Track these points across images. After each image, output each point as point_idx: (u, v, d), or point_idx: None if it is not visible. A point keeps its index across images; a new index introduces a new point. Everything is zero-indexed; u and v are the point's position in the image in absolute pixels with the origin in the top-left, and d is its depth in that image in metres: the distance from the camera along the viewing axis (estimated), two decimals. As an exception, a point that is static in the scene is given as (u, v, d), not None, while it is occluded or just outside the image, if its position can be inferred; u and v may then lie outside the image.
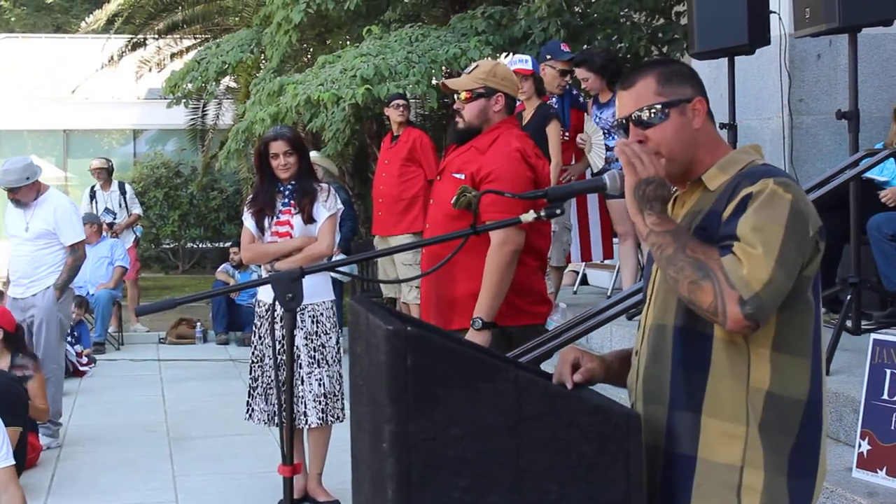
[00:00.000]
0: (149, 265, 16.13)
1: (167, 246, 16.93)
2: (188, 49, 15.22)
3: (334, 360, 5.23)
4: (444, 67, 8.33)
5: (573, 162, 7.02)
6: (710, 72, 6.50)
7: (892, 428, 3.62)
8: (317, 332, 5.19)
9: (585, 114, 6.99)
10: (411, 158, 8.04)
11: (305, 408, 5.13)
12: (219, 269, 11.29)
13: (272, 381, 5.14)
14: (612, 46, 8.31)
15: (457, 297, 3.90)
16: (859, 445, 3.70)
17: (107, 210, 11.20)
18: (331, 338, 5.23)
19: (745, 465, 2.03)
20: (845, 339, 4.66)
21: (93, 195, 11.36)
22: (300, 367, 5.14)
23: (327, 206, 5.22)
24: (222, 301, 10.37)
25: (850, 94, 5.05)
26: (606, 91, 6.70)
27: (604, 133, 6.59)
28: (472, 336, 3.74)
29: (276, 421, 5.18)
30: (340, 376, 5.22)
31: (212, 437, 6.69)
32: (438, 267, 2.97)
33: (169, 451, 6.37)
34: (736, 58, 5.86)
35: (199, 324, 10.70)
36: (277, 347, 4.96)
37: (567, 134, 6.89)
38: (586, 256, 7.60)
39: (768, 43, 5.71)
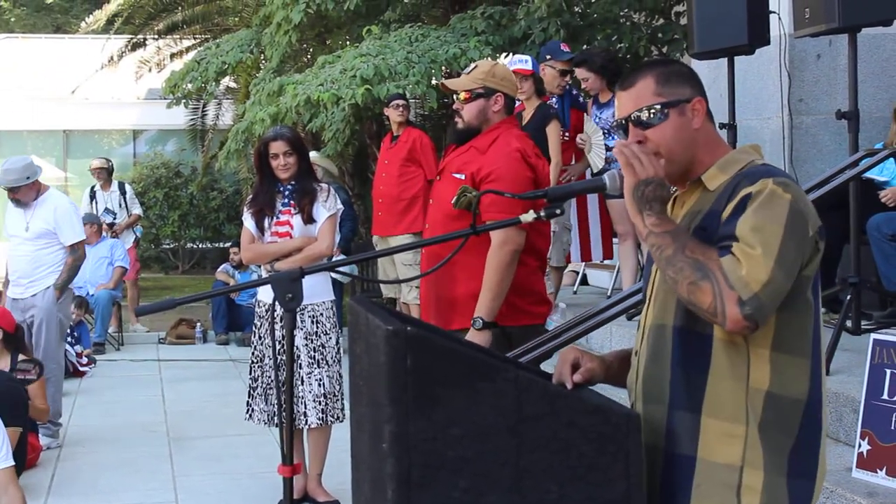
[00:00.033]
0: (149, 265, 16.13)
1: (167, 246, 16.92)
2: (188, 49, 15.22)
3: (334, 361, 5.23)
4: (443, 67, 8.33)
5: (573, 162, 7.02)
6: (710, 72, 6.51)
7: (892, 428, 3.62)
8: (317, 332, 5.19)
9: (585, 114, 6.99)
10: (411, 158, 8.04)
11: (305, 408, 5.14)
12: (219, 270, 11.29)
13: (272, 381, 5.14)
14: (611, 46, 8.31)
15: (457, 298, 3.90)
16: (859, 445, 3.70)
17: (107, 210, 11.19)
18: (331, 338, 5.24)
19: (745, 465, 2.03)
20: (845, 339, 4.66)
21: (93, 195, 11.36)
22: (300, 368, 5.14)
23: (327, 207, 5.22)
24: (222, 301, 10.37)
25: (850, 94, 5.06)
26: (606, 91, 6.70)
27: (604, 133, 6.59)
28: (473, 336, 3.75)
29: (275, 421, 5.18)
30: (340, 376, 5.22)
31: (212, 438, 6.69)
32: (438, 267, 2.97)
33: (169, 452, 6.37)
34: (736, 58, 5.86)
35: (198, 324, 10.70)
36: (277, 347, 4.96)
37: (567, 134, 6.89)
38: (586, 256, 7.60)
39: (768, 43, 5.71)
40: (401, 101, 8.10)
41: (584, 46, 8.05)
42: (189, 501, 5.46)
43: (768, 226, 1.96)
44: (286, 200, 5.22)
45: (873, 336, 3.85)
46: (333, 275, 6.36)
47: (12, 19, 25.54)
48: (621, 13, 8.62)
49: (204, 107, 15.94)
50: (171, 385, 8.52)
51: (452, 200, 3.80)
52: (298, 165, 5.20)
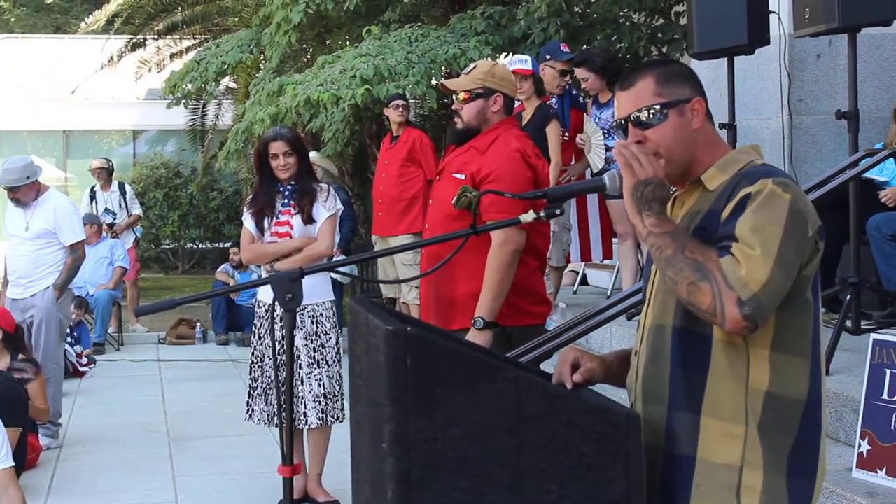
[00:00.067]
0: (148, 265, 16.13)
1: (167, 246, 16.92)
2: (188, 49, 15.22)
3: (334, 361, 5.23)
4: (443, 68, 8.33)
5: (573, 162, 7.02)
6: (710, 72, 6.51)
7: (892, 428, 3.63)
8: (316, 332, 5.19)
9: (585, 114, 6.99)
10: (411, 159, 8.04)
11: (305, 408, 5.14)
12: (218, 270, 11.29)
13: (272, 381, 5.14)
14: (611, 46, 8.31)
15: (457, 297, 3.91)
16: (859, 445, 3.70)
17: (107, 210, 11.20)
18: (330, 338, 5.24)
19: (745, 465, 2.03)
20: (845, 339, 4.66)
21: (93, 195, 11.36)
22: (300, 368, 5.14)
23: (327, 207, 5.22)
24: (222, 301, 10.37)
25: (850, 94, 5.06)
26: (606, 91, 6.70)
27: (603, 133, 6.59)
28: (474, 336, 3.75)
29: (275, 421, 5.18)
30: (340, 377, 5.22)
31: (212, 438, 6.69)
32: (438, 267, 2.98)
33: (169, 452, 6.37)
34: (735, 58, 5.86)
35: (198, 324, 10.70)
36: (277, 348, 4.96)
37: (567, 134, 6.89)
38: (586, 256, 7.60)
39: (768, 43, 5.71)
40: (400, 102, 8.10)
41: (584, 46, 8.06)
42: (189, 502, 5.46)
43: (768, 226, 1.96)
44: (286, 200, 5.22)
45: (873, 336, 3.86)
46: (333, 275, 6.36)
47: (12, 19, 25.55)
48: (621, 13, 8.62)
49: (204, 107, 15.95)
50: (170, 385, 8.52)
51: (453, 200, 3.80)
52: (298, 165, 5.20)
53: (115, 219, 11.19)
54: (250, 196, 5.45)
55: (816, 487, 2.09)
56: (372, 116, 10.15)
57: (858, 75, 5.15)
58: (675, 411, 2.09)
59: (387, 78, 7.95)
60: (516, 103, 4.78)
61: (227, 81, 14.19)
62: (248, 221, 5.26)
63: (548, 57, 6.95)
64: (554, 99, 6.94)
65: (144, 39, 15.43)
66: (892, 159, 5.20)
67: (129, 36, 15.55)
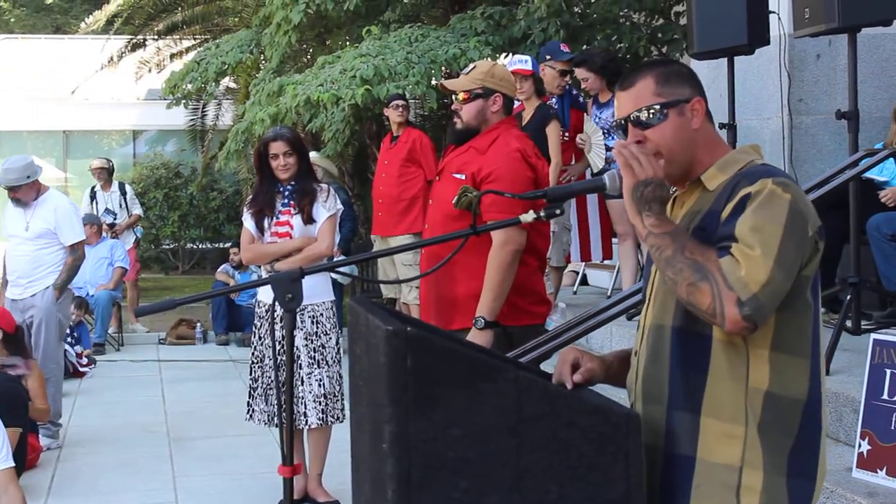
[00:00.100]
0: (149, 266, 16.13)
1: (167, 246, 16.91)
2: (188, 50, 15.21)
3: (334, 361, 5.23)
4: (443, 68, 8.33)
5: (573, 162, 7.02)
6: (710, 72, 6.51)
7: (892, 428, 3.63)
8: (317, 332, 5.19)
9: (585, 114, 6.99)
10: (411, 159, 8.04)
11: (305, 408, 5.14)
12: (219, 270, 11.29)
13: (272, 381, 5.14)
14: (611, 47, 8.31)
15: (457, 297, 3.91)
16: (859, 445, 3.70)
17: (107, 210, 11.20)
18: (331, 338, 5.24)
19: (745, 465, 2.03)
20: (845, 339, 4.66)
21: (93, 196, 11.37)
22: (300, 368, 5.14)
23: (327, 207, 5.22)
24: (222, 302, 10.37)
25: (850, 94, 5.06)
26: (606, 91, 6.70)
27: (603, 133, 6.59)
28: (475, 335, 3.75)
29: (276, 421, 5.18)
30: (340, 377, 5.22)
31: (212, 438, 6.69)
32: (438, 267, 2.98)
33: (169, 452, 6.37)
34: (735, 58, 5.86)
35: (199, 324, 10.70)
36: (277, 348, 4.96)
37: (567, 134, 6.89)
38: (586, 257, 7.60)
39: (768, 43, 5.71)
40: (400, 102, 8.10)
41: (584, 46, 8.06)
42: (189, 502, 5.46)
43: (767, 226, 1.96)
44: (286, 201, 5.22)
45: (873, 336, 3.86)
46: (333, 275, 6.36)
47: (12, 20, 25.55)
48: (621, 13, 8.62)
49: (204, 107, 15.95)
50: (171, 385, 8.52)
51: (453, 200, 3.80)
52: (298, 166, 5.20)
53: (115, 219, 11.19)
54: (250, 196, 5.46)
55: (817, 487, 2.09)
56: (372, 116, 10.15)
57: (858, 75, 5.15)
58: (675, 411, 2.09)
59: (387, 78, 7.95)
60: (516, 103, 4.78)
61: (227, 82, 14.19)
62: (248, 221, 5.26)
63: (548, 57, 6.95)
64: (554, 99, 6.95)
65: (144, 40, 15.43)
66: (892, 159, 5.20)
67: (129, 36, 15.55)
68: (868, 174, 5.14)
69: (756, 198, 1.99)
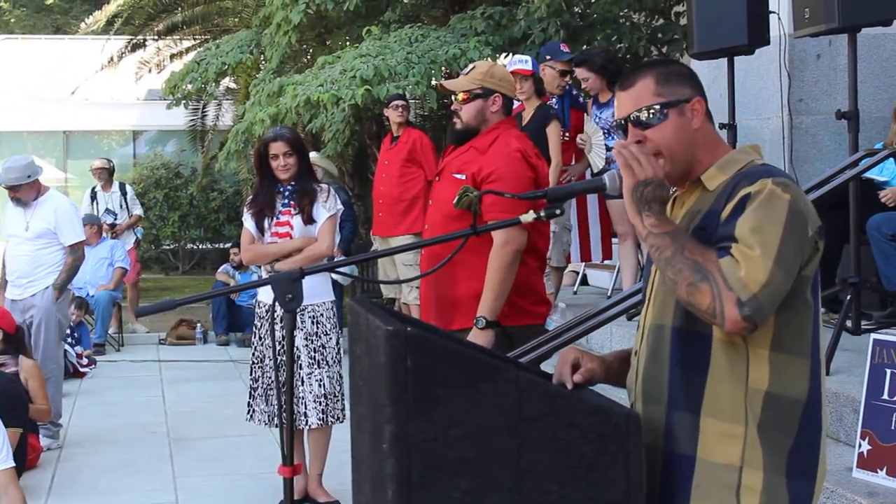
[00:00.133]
0: (149, 266, 16.13)
1: (167, 247, 16.92)
2: (188, 50, 15.21)
3: (334, 361, 5.23)
4: (443, 68, 8.33)
5: (573, 162, 7.02)
6: (710, 72, 6.51)
7: (893, 428, 3.63)
8: (317, 332, 5.19)
9: (585, 114, 6.99)
10: (411, 159, 8.04)
11: (306, 408, 5.14)
12: (219, 270, 11.29)
13: (273, 381, 5.14)
14: (611, 47, 8.31)
15: (458, 297, 3.91)
16: (859, 445, 3.70)
17: (107, 211, 11.20)
18: (331, 338, 5.24)
19: (745, 465, 2.03)
20: (845, 339, 4.66)
21: (93, 196, 11.37)
22: (300, 368, 5.14)
23: (327, 207, 5.22)
24: (222, 302, 10.37)
25: (850, 94, 5.06)
26: (606, 91, 6.70)
27: (604, 133, 6.59)
28: (476, 335, 3.76)
29: (276, 422, 5.18)
30: (340, 377, 5.22)
31: (212, 438, 6.69)
32: (439, 267, 2.98)
33: (169, 452, 6.37)
34: (735, 58, 5.86)
35: (199, 325, 10.70)
36: (278, 348, 4.96)
37: (567, 134, 6.89)
38: (586, 257, 7.60)
39: (768, 43, 5.71)
40: (400, 102, 8.10)
41: (584, 47, 8.06)
42: (190, 502, 5.46)
43: (767, 226, 1.96)
44: (286, 201, 5.22)
45: (873, 336, 3.86)
46: (334, 276, 6.36)
47: (12, 20, 25.54)
48: (621, 13, 8.62)
49: (204, 107, 15.95)
50: (171, 386, 8.52)
51: (454, 201, 3.81)
52: (298, 166, 5.20)
53: (115, 219, 11.19)
54: (250, 196, 5.46)
55: (817, 487, 2.09)
56: (372, 117, 10.16)
57: (858, 75, 5.15)
58: (675, 411, 2.09)
59: (387, 78, 7.95)
60: (515, 103, 4.78)
61: (227, 82, 14.19)
62: (248, 222, 5.26)
63: (548, 57, 6.95)
64: (554, 99, 6.95)
65: (144, 40, 15.43)
66: (892, 159, 5.20)
67: (129, 36, 15.55)
68: (868, 174, 5.14)
69: (756, 198, 1.99)
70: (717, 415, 2.05)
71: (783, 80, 6.43)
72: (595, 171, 6.71)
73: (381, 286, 9.03)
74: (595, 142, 6.66)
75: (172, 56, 15.39)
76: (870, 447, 3.67)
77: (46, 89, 17.99)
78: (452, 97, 4.02)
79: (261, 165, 5.26)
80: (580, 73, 6.79)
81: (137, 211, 11.67)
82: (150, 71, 15.54)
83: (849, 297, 4.75)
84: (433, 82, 8.17)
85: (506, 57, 8.66)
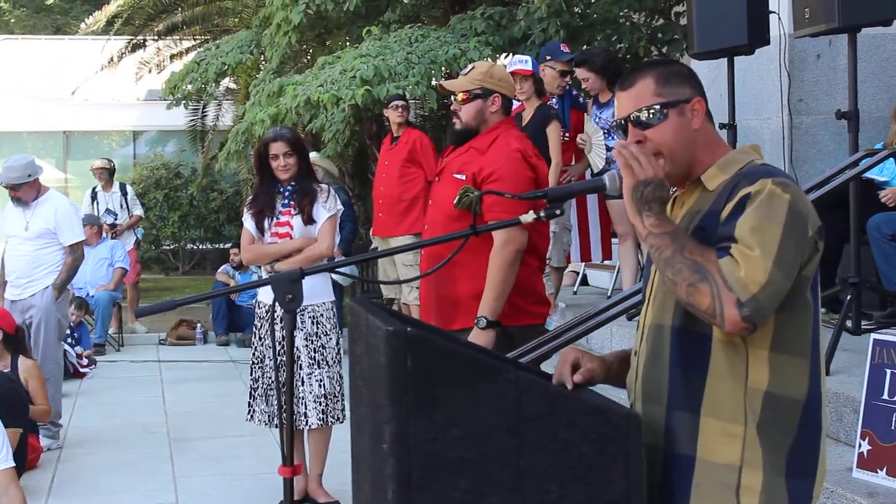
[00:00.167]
0: (149, 266, 16.13)
1: (167, 247, 16.92)
2: (188, 50, 15.21)
3: (334, 361, 5.23)
4: (443, 68, 8.33)
5: (573, 162, 7.02)
6: (710, 72, 6.51)
7: (893, 428, 3.63)
8: (317, 332, 5.19)
9: (585, 114, 6.99)
10: (411, 159, 8.03)
11: (306, 409, 5.14)
12: (219, 270, 11.30)
13: (273, 381, 5.14)
14: (611, 47, 8.31)
15: (458, 297, 3.91)
16: (859, 445, 3.70)
17: (108, 211, 11.20)
18: (331, 339, 5.24)
19: (744, 465, 2.03)
20: (845, 339, 4.66)
21: (94, 196, 11.39)
22: (300, 368, 5.14)
23: (327, 207, 5.22)
24: (222, 302, 10.37)
25: (850, 94, 5.06)
26: (606, 91, 6.71)
27: (604, 133, 6.60)
28: (477, 335, 3.76)
29: (276, 422, 5.18)
30: (341, 377, 5.22)
31: (212, 439, 6.69)
32: (439, 268, 2.98)
33: (169, 453, 6.37)
34: (735, 58, 5.86)
35: (199, 325, 10.70)
36: (278, 348, 4.96)
37: (567, 134, 6.89)
38: (586, 257, 7.60)
39: (768, 43, 5.71)
40: (400, 102, 8.10)
41: (584, 47, 8.06)
42: (190, 502, 5.46)
43: (767, 226, 1.96)
44: (286, 201, 5.22)
45: (873, 336, 3.86)
46: (334, 276, 6.36)
47: (12, 20, 25.54)
48: (621, 13, 8.62)
49: (204, 108, 15.94)
50: (171, 386, 8.52)
51: (454, 201, 3.81)
52: (298, 166, 5.20)
53: (116, 219, 11.20)
54: (250, 197, 5.46)
55: (816, 487, 2.09)
56: (372, 117, 10.16)
57: (858, 75, 5.15)
58: (675, 411, 2.09)
59: (387, 78, 7.95)
60: (515, 104, 4.79)
61: (227, 82, 14.19)
62: (248, 222, 5.26)
63: (548, 57, 6.95)
64: (554, 99, 6.94)
65: (144, 40, 15.43)
66: (892, 159, 5.20)
67: (129, 37, 15.55)
68: (868, 174, 5.14)
69: (756, 198, 1.99)
70: (717, 415, 2.05)
71: (783, 80, 6.43)
72: (595, 171, 6.71)
73: (381, 286, 9.03)
74: (595, 142, 6.66)
75: (172, 56, 15.39)
76: (870, 447, 3.67)
77: (46, 89, 17.99)
78: (452, 97, 4.03)
79: (261, 166, 5.26)
80: (580, 73, 6.79)
81: (138, 211, 11.68)
82: (150, 71, 15.54)
83: (849, 297, 4.75)
84: (433, 82, 8.17)
85: (506, 57, 8.66)
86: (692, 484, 2.06)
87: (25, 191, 6.67)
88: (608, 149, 6.47)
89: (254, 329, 5.44)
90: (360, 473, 2.27)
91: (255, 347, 5.32)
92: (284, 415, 2.47)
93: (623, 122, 2.18)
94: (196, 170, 16.40)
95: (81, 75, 16.67)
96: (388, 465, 1.92)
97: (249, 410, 5.32)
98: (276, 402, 5.12)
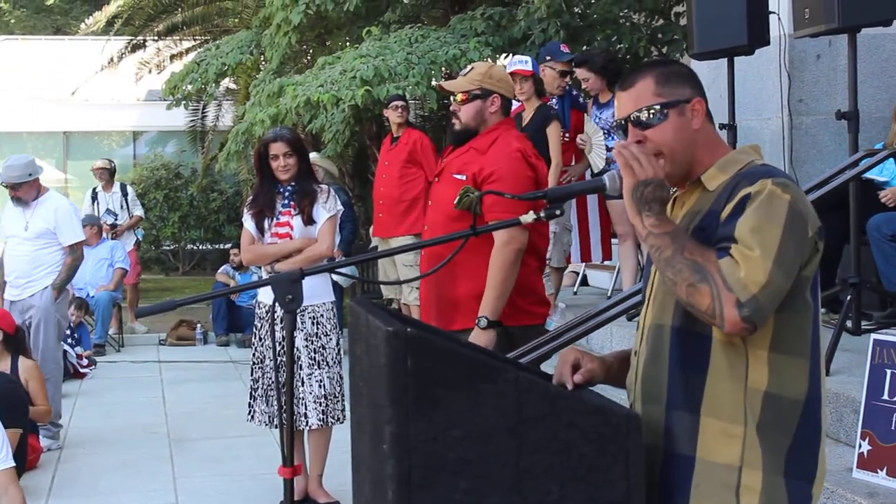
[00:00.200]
0: (149, 267, 16.14)
1: (167, 247, 16.92)
2: (188, 51, 15.22)
3: (335, 362, 5.23)
4: (443, 68, 8.33)
5: (573, 163, 7.02)
6: (710, 72, 6.51)
7: (893, 428, 3.62)
8: (317, 333, 5.19)
9: (585, 114, 6.99)
10: (412, 160, 8.03)
11: (306, 409, 5.13)
12: (219, 271, 11.30)
13: (273, 382, 5.14)
14: (611, 47, 8.31)
15: (458, 298, 3.92)
16: (860, 446, 3.70)
17: (108, 211, 11.21)
18: (331, 339, 5.24)
19: (744, 465, 2.03)
20: (845, 340, 4.66)
21: (94, 196, 11.40)
22: (300, 369, 5.14)
23: (327, 208, 5.22)
24: (222, 302, 10.37)
25: (850, 95, 5.06)
26: (606, 91, 6.71)
27: (604, 133, 6.60)
28: (478, 334, 3.76)
29: (276, 422, 5.18)
30: (341, 377, 5.22)
31: (212, 439, 6.69)
32: (439, 268, 2.98)
33: (169, 453, 6.37)
34: (735, 58, 5.86)
35: (199, 325, 10.70)
36: (278, 349, 4.96)
37: (567, 135, 6.89)
38: (586, 257, 7.60)
39: (768, 43, 5.71)
40: (399, 103, 8.09)
41: (584, 47, 8.06)
42: (190, 503, 5.46)
43: (767, 227, 1.96)
44: (286, 202, 5.22)
45: (873, 336, 3.85)
46: (334, 276, 6.36)
47: (12, 21, 25.54)
48: (621, 14, 8.62)
49: (204, 108, 15.94)
50: (171, 386, 8.52)
51: (455, 201, 3.81)
52: (298, 167, 5.20)
53: (116, 219, 11.20)
54: (250, 197, 5.46)
55: (816, 487, 2.09)
56: (372, 117, 10.16)
57: (858, 75, 5.15)
58: (674, 411, 2.09)
59: (387, 79, 7.95)
60: (514, 104, 4.79)
61: (227, 83, 14.19)
62: (248, 222, 5.26)
63: (548, 58, 6.95)
64: (554, 100, 6.95)
65: (144, 41, 15.42)
66: (892, 160, 5.20)
67: (129, 37, 15.55)
68: (868, 174, 5.14)
69: (756, 198, 1.99)
70: (717, 415, 2.05)
71: (783, 81, 6.43)
72: (595, 171, 6.71)
73: (381, 287, 9.03)
74: (595, 142, 6.66)
75: (172, 57, 15.39)
76: (870, 447, 3.67)
77: (46, 90, 17.99)
78: (451, 98, 4.03)
79: (261, 166, 5.26)
80: (580, 73, 6.79)
81: (138, 212, 11.69)
82: (150, 72, 15.54)
83: (849, 298, 4.74)
84: (433, 83, 8.18)
85: (506, 57, 8.66)
86: (692, 484, 2.06)
87: (25, 190, 6.67)
88: (608, 149, 6.47)
89: (254, 329, 5.44)
90: (361, 474, 2.27)
91: (256, 348, 5.32)
92: (284, 415, 2.47)
93: (623, 122, 2.18)
94: (196, 170, 16.40)
95: (81, 76, 16.67)
96: (388, 465, 1.92)
97: (250, 411, 5.32)
98: (276, 403, 5.12)
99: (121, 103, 18.19)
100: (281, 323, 4.93)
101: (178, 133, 17.21)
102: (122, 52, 15.56)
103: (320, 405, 5.15)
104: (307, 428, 5.18)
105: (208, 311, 10.98)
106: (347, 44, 10.14)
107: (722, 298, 1.92)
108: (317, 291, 5.13)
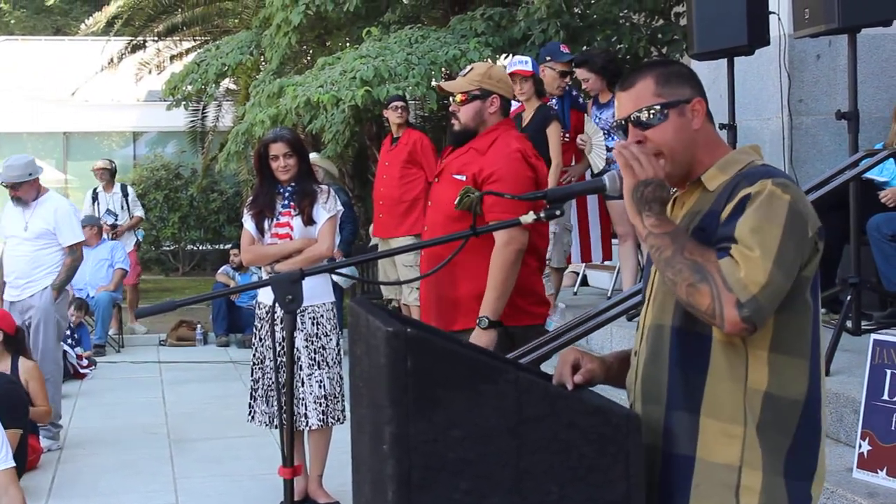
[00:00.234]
0: (149, 267, 16.13)
1: (167, 248, 16.92)
2: (188, 51, 15.21)
3: (335, 362, 5.23)
4: (443, 69, 8.33)
5: (573, 163, 7.02)
6: (710, 72, 6.51)
7: (893, 428, 3.62)
8: (317, 333, 5.19)
9: (585, 115, 6.99)
10: (412, 160, 8.03)
11: (306, 409, 5.14)
12: (219, 271, 11.30)
13: (273, 382, 5.14)
14: (611, 47, 8.31)
15: (459, 298, 3.92)
16: (860, 446, 3.70)
17: (108, 212, 11.22)
18: (331, 339, 5.24)
19: (744, 465, 2.03)
20: (845, 340, 4.66)
21: (95, 197, 11.40)
22: (300, 369, 5.14)
23: (327, 208, 5.22)
24: (223, 303, 10.37)
25: (850, 95, 5.06)
26: (606, 92, 6.71)
27: (604, 134, 6.60)
28: (479, 334, 3.76)
29: (277, 423, 5.18)
30: (341, 378, 5.23)
31: (212, 440, 6.69)
32: (439, 268, 2.98)
33: (169, 454, 6.37)
34: (735, 58, 5.86)
35: (199, 326, 10.70)
36: (278, 349, 4.96)
37: (567, 135, 6.89)
38: (586, 257, 7.60)
39: (768, 43, 5.71)
40: (399, 103, 8.09)
41: (584, 47, 8.06)
42: (190, 503, 5.46)
43: (767, 227, 1.96)
44: (286, 202, 5.22)
45: (873, 336, 3.86)
46: (334, 277, 6.36)
47: (12, 21, 25.55)
48: (621, 14, 8.62)
49: (204, 108, 15.94)
50: (171, 387, 8.52)
51: (455, 202, 3.81)
52: (298, 167, 5.20)
53: (116, 220, 11.21)
54: (250, 197, 5.46)
55: (816, 488, 2.09)
56: (372, 118, 10.16)
57: (858, 75, 5.15)
58: (674, 411, 2.09)
59: (387, 79, 7.95)
60: (514, 104, 4.79)
61: (227, 83, 14.19)
62: (248, 223, 5.26)
63: (548, 58, 6.95)
64: (554, 100, 6.95)
65: (144, 41, 15.42)
66: (892, 160, 5.20)
67: (129, 38, 15.54)
68: (868, 174, 5.14)
69: (756, 199, 1.99)
70: (717, 415, 2.05)
71: (783, 81, 6.43)
72: (595, 171, 6.71)
73: (381, 287, 9.03)
74: (595, 142, 6.66)
75: (172, 57, 15.38)
76: (870, 448, 3.67)
77: (46, 90, 17.99)
78: (451, 98, 4.03)
79: (261, 166, 5.26)
80: (580, 73, 6.79)
81: (138, 212, 11.69)
82: (150, 72, 15.54)
83: (849, 298, 4.75)
84: (433, 83, 8.18)
85: (506, 58, 8.66)
86: (692, 484, 2.06)
87: (25, 190, 6.67)
88: (608, 149, 6.47)
89: (254, 330, 5.44)
90: (361, 474, 2.27)
91: (256, 348, 5.32)
92: (284, 416, 2.47)
93: (623, 122, 2.18)
94: (196, 171, 16.40)
95: (81, 76, 16.67)
96: (388, 465, 1.92)
97: (250, 411, 5.32)
98: (276, 403, 5.12)
99: (121, 104, 18.19)
100: (281, 323, 4.93)
101: (178, 133, 17.21)
102: (122, 53, 15.55)
103: (320, 405, 5.15)
104: (307, 428, 5.18)
105: (208, 312, 10.98)
106: (347, 44, 10.14)
107: (722, 299, 1.92)
108: (317, 292, 5.13)
